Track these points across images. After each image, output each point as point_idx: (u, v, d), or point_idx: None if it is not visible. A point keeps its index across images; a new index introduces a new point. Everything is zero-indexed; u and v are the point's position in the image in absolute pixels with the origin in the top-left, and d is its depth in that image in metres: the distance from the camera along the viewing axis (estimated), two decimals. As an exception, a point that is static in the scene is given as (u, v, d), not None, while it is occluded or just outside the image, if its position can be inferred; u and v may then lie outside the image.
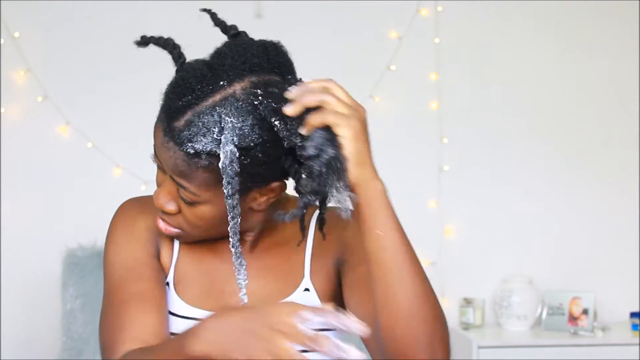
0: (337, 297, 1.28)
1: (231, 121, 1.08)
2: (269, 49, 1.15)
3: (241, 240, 1.27)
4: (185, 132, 1.09)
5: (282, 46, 1.17)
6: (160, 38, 1.18)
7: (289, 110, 1.08)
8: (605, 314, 3.36)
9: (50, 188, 3.27)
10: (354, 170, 1.08)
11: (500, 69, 3.45)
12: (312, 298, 1.25)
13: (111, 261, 1.25)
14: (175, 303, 1.25)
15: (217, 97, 1.09)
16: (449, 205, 3.40)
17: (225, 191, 1.09)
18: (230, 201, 1.09)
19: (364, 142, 1.10)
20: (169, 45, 1.17)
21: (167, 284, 1.27)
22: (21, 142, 3.26)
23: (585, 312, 3.21)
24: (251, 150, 1.09)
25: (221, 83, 1.10)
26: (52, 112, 3.25)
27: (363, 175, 1.09)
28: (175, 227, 1.22)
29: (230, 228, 1.12)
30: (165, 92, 1.13)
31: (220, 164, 1.08)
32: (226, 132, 1.08)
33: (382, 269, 1.12)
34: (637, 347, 3.07)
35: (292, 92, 1.09)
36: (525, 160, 3.44)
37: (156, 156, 1.17)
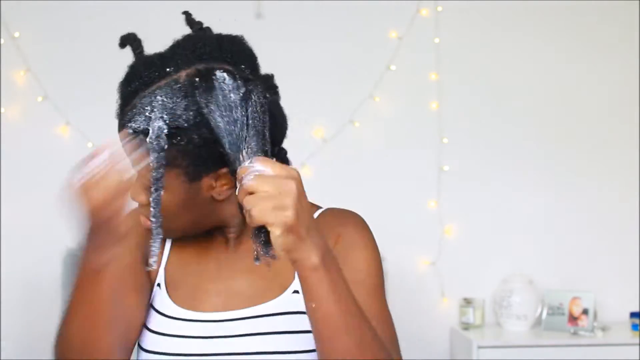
0: None
1: (162, 100, 1.12)
2: (223, 39, 1.18)
3: (223, 238, 1.29)
4: (128, 114, 1.16)
5: (242, 39, 1.19)
6: (127, 34, 1.24)
7: None
8: (605, 314, 3.36)
9: (50, 188, 3.26)
10: (288, 255, 1.03)
11: (500, 69, 3.45)
12: (301, 300, 1.24)
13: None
14: (166, 304, 1.27)
15: (162, 82, 1.14)
16: (449, 205, 3.40)
17: (151, 164, 1.11)
18: (154, 174, 1.11)
19: (296, 229, 1.00)
20: (129, 39, 1.23)
21: (159, 285, 1.29)
22: (21, 142, 3.26)
23: (585, 312, 3.21)
24: (186, 131, 1.12)
25: (168, 70, 1.14)
26: (52, 112, 3.25)
27: (295, 255, 1.03)
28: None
29: (153, 199, 1.13)
30: (120, 81, 1.20)
31: (147, 138, 1.11)
32: (155, 110, 1.12)
33: (317, 337, 1.10)
34: (637, 347, 3.07)
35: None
36: (525, 160, 3.44)
37: None
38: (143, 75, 1.15)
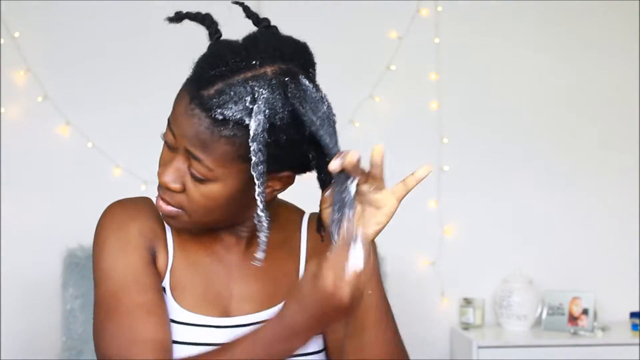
0: None
1: (265, 93, 1.10)
2: (298, 43, 1.19)
3: (236, 236, 1.26)
4: (215, 100, 1.10)
5: (307, 45, 1.20)
6: (198, 13, 1.20)
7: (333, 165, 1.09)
8: (605, 314, 3.36)
9: (50, 188, 3.27)
10: (377, 233, 1.16)
11: (500, 69, 3.45)
12: None
13: (108, 268, 1.20)
14: (173, 309, 1.22)
15: (249, 73, 1.11)
16: (449, 205, 3.40)
17: (254, 158, 1.08)
18: (259, 168, 1.09)
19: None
20: (207, 20, 1.19)
21: (164, 289, 1.23)
22: (21, 142, 3.26)
23: (585, 312, 3.21)
24: (276, 130, 1.11)
25: (253, 62, 1.12)
26: (52, 112, 3.25)
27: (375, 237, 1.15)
28: (175, 207, 1.19)
29: (258, 195, 1.11)
30: (197, 62, 1.15)
31: (252, 131, 1.08)
32: (259, 102, 1.09)
33: (362, 327, 1.16)
34: (637, 347, 3.07)
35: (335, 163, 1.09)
36: (525, 160, 3.44)
37: (170, 130, 1.16)
38: (230, 62, 1.11)
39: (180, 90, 1.16)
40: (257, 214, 1.11)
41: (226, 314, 1.23)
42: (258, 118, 1.08)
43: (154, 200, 1.23)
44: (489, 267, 3.40)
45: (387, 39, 3.39)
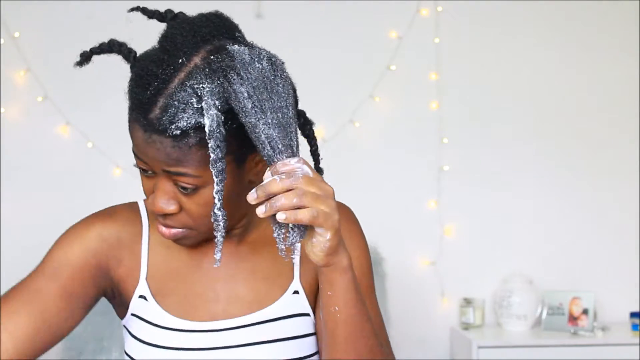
0: None
1: (206, 86, 1.04)
2: (210, 17, 1.13)
3: (227, 234, 1.21)
4: (164, 118, 1.05)
5: (221, 13, 1.15)
6: (102, 44, 1.18)
7: (259, 211, 1.02)
8: (605, 314, 3.36)
9: (50, 188, 3.27)
10: (327, 258, 1.06)
11: (500, 69, 3.45)
12: (302, 300, 1.23)
13: (49, 252, 1.30)
14: (159, 315, 1.21)
15: (182, 74, 1.06)
16: (449, 205, 3.40)
17: (212, 155, 1.02)
18: (218, 165, 1.03)
19: (339, 233, 1.06)
20: (114, 47, 1.17)
21: (144, 297, 1.22)
22: (21, 142, 3.26)
23: (585, 312, 3.21)
24: (233, 112, 1.06)
25: (180, 61, 1.07)
26: (52, 112, 3.25)
27: (333, 259, 1.07)
28: (180, 228, 1.16)
29: (216, 192, 1.04)
30: (129, 90, 1.10)
31: (207, 129, 1.02)
32: (206, 98, 1.03)
33: (333, 341, 1.13)
34: (637, 347, 3.07)
35: (254, 195, 1.02)
36: (525, 160, 3.44)
37: (140, 160, 1.12)
38: (159, 74, 1.06)
39: (129, 122, 1.11)
40: (214, 213, 1.05)
41: (213, 317, 1.20)
42: (210, 114, 1.02)
43: (142, 202, 1.24)
44: (489, 267, 3.40)
45: (387, 39, 3.39)
